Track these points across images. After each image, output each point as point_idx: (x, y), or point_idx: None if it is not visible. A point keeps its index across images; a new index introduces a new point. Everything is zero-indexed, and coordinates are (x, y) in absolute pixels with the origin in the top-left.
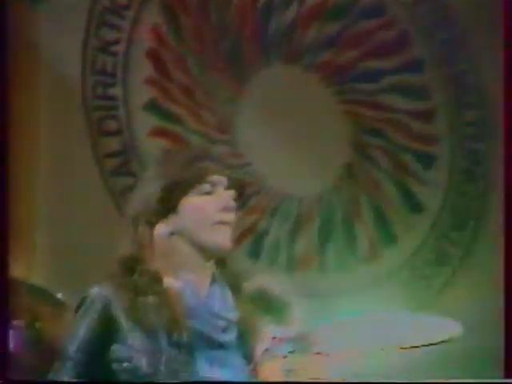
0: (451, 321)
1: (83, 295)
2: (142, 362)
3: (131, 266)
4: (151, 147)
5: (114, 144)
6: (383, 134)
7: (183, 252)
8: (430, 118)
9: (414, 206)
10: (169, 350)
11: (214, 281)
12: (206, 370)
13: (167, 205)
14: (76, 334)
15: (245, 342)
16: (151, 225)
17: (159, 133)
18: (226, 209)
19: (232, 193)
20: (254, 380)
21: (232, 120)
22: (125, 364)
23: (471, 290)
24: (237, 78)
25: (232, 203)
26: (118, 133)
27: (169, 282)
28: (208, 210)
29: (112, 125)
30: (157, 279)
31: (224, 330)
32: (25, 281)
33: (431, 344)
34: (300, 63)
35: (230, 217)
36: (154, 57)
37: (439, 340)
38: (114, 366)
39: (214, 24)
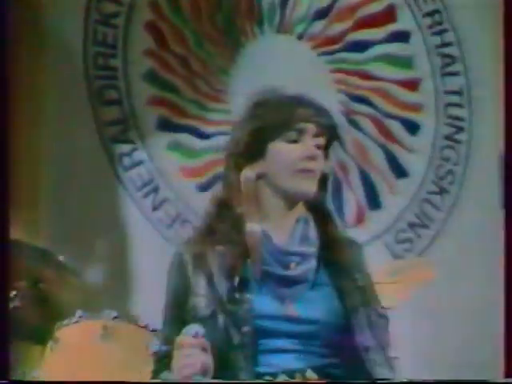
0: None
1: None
2: (202, 304)
3: (219, 208)
4: (149, 116)
5: (113, 112)
6: (371, 102)
7: (267, 197)
8: (415, 87)
9: (400, 171)
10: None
11: (297, 223)
12: (275, 308)
13: (254, 149)
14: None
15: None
16: (239, 168)
17: (157, 102)
18: (310, 157)
19: (319, 141)
20: None
21: (227, 89)
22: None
23: (452, 252)
24: (231, 48)
25: (317, 152)
26: (117, 102)
27: (251, 226)
28: (293, 157)
29: (112, 94)
30: (238, 225)
31: (297, 265)
32: (29, 244)
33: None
34: (292, 33)
35: (315, 165)
36: (153, 29)
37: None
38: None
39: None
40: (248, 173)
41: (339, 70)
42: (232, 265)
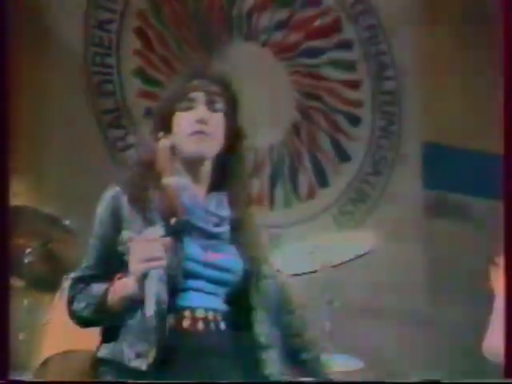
0: (371, 234)
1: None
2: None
3: (141, 169)
4: (138, 106)
5: (108, 103)
6: (321, 99)
7: (179, 166)
8: (356, 87)
9: (343, 156)
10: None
11: (211, 189)
12: (199, 255)
13: (162, 122)
14: (95, 222)
15: (239, 236)
16: (156, 137)
17: (144, 94)
18: (200, 120)
19: (214, 106)
20: None
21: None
22: (127, 245)
23: (384, 221)
24: (206, 52)
25: (207, 115)
26: (112, 94)
27: (169, 179)
28: (185, 122)
29: (108, 87)
30: (159, 178)
31: (217, 225)
32: (40, 211)
33: (358, 256)
34: (257, 41)
35: (206, 127)
36: (140, 34)
37: (363, 252)
38: (120, 248)
39: (189, 9)
40: (163, 143)
41: (296, 73)
42: (164, 210)
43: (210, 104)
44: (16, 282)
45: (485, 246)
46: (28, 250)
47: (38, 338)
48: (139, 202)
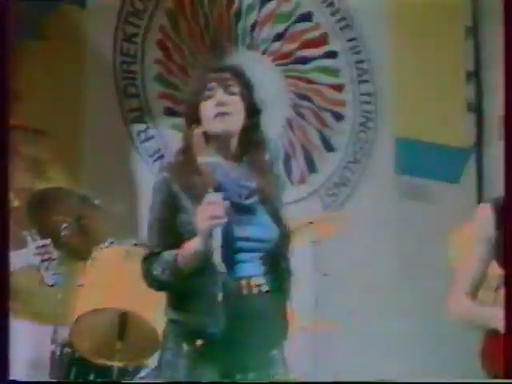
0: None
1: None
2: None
3: (183, 156)
4: (158, 105)
5: (133, 103)
6: (311, 100)
7: (211, 148)
8: (340, 90)
9: (329, 147)
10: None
11: (239, 163)
12: (237, 231)
13: (192, 115)
14: (151, 207)
15: (268, 204)
16: (190, 127)
17: (163, 96)
18: (219, 103)
19: (231, 90)
20: None
21: None
22: (188, 227)
23: (362, 202)
24: (216, 60)
25: (226, 98)
26: (136, 96)
27: (203, 159)
28: (209, 108)
29: (132, 90)
30: (198, 164)
31: (247, 197)
32: (75, 191)
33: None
34: (258, 50)
35: (225, 108)
36: (161, 45)
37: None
38: (180, 230)
39: (201, 24)
40: (197, 130)
41: (290, 77)
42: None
43: (226, 89)
44: (55, 252)
45: (445, 223)
46: (64, 225)
47: (73, 298)
48: (189, 188)
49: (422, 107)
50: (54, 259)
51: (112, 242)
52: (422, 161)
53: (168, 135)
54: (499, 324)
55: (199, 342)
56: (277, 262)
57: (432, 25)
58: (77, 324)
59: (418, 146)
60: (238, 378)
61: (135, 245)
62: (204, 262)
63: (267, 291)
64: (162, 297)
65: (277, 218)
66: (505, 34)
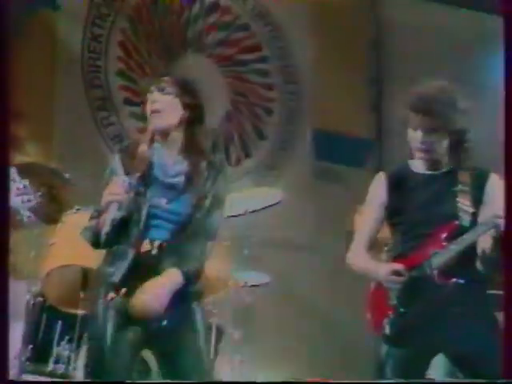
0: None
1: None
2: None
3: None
4: (119, 96)
5: (98, 93)
6: (247, 96)
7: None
8: (270, 88)
9: (261, 136)
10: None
11: (181, 152)
12: (159, 202)
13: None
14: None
15: (191, 183)
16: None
17: (123, 88)
18: (153, 101)
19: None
20: None
21: None
22: None
23: (288, 182)
24: (168, 60)
25: (158, 97)
26: (100, 86)
27: (144, 146)
28: (147, 106)
29: (97, 82)
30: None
31: (173, 176)
32: (47, 165)
33: (266, 207)
34: (204, 53)
35: (157, 105)
36: (123, 45)
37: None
38: None
39: (156, 29)
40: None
41: (230, 77)
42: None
43: (161, 90)
44: (30, 218)
45: (353, 199)
46: (39, 193)
47: (44, 256)
48: (128, 168)
49: (336, 105)
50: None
51: (78, 209)
52: (334, 149)
53: (126, 122)
54: (384, 278)
55: (111, 295)
56: (190, 231)
57: (342, 39)
58: (47, 278)
59: (332, 137)
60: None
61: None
62: (118, 228)
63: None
64: None
65: (198, 197)
66: (505, 35)
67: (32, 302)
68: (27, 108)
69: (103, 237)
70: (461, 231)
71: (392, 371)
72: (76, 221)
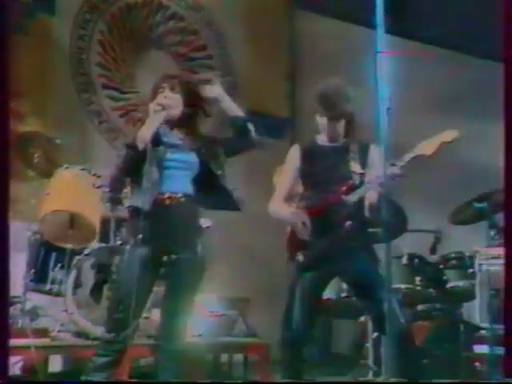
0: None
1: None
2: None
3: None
4: (98, 81)
5: (82, 79)
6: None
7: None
8: (210, 82)
9: (206, 114)
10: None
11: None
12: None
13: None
14: None
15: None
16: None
17: (101, 76)
18: (165, 97)
19: (168, 94)
20: None
21: (133, 75)
22: None
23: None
24: (136, 55)
25: (169, 94)
26: (84, 74)
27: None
28: (159, 98)
29: (81, 70)
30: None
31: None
32: (42, 133)
33: None
34: (164, 50)
35: (167, 101)
36: (101, 43)
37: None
38: None
39: (128, 31)
40: (156, 109)
41: (183, 69)
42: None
43: (171, 89)
44: (31, 173)
45: (273, 163)
46: (36, 155)
47: (41, 203)
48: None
49: (262, 92)
50: None
51: (67, 167)
52: (260, 126)
53: (104, 102)
54: (295, 227)
55: (140, 236)
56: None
57: (267, 44)
58: (43, 219)
59: (259, 117)
60: (170, 255)
61: (83, 169)
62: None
63: (185, 202)
64: (97, 205)
65: (200, 153)
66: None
67: (32, 238)
68: (28, 90)
69: (141, 145)
70: (354, 187)
71: (300, 290)
72: (65, 176)
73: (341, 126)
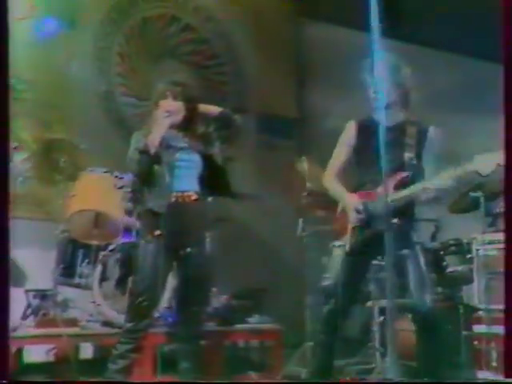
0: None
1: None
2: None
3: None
4: (118, 88)
5: (103, 88)
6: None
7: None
8: (225, 85)
9: None
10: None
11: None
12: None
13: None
14: None
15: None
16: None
17: (121, 85)
18: (168, 105)
19: (171, 102)
20: None
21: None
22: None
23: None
24: (152, 65)
25: (172, 102)
26: (105, 84)
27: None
28: (163, 105)
29: (103, 80)
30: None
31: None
32: (68, 139)
33: None
34: (179, 60)
35: (170, 107)
36: (121, 55)
37: None
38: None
39: (145, 43)
40: (163, 115)
41: (199, 76)
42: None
43: (174, 97)
44: (58, 177)
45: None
46: (62, 160)
47: (69, 204)
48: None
49: (270, 96)
50: None
51: (91, 170)
52: (269, 126)
53: (123, 109)
54: (349, 211)
55: (157, 232)
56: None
57: (276, 51)
58: (70, 219)
59: (268, 117)
60: (185, 249)
61: (105, 172)
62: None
63: (195, 200)
64: (120, 204)
65: (202, 153)
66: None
67: (61, 236)
68: (57, 102)
69: (153, 150)
70: (406, 183)
71: (346, 271)
72: (89, 178)
73: (401, 100)
